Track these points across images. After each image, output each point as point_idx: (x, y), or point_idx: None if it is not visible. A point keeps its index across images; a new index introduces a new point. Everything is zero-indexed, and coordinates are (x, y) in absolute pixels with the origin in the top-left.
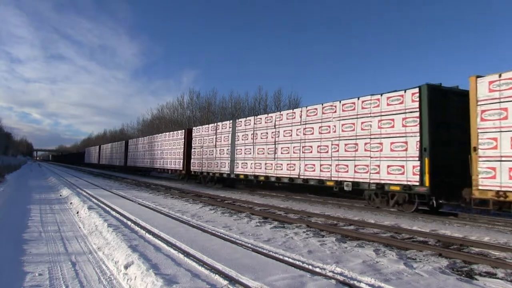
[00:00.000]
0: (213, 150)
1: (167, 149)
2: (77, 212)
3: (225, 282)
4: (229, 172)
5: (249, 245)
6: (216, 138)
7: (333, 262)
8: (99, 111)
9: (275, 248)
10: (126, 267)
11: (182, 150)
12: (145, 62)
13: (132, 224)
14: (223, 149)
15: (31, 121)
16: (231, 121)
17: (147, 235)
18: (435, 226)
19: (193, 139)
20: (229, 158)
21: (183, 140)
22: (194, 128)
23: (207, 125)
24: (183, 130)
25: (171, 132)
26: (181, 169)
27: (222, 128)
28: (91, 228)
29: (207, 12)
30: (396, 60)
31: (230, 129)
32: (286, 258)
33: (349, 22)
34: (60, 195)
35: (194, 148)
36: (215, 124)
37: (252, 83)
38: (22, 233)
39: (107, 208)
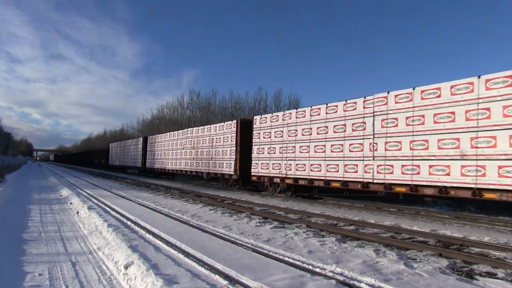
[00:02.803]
0: None
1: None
2: (77, 212)
3: (225, 282)
4: None
5: (249, 245)
6: None
7: (333, 262)
8: (99, 111)
9: (275, 248)
10: (126, 267)
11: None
12: (145, 62)
13: (132, 224)
14: None
15: (31, 121)
16: None
17: (147, 235)
18: (435, 226)
19: None
20: None
21: None
22: None
23: None
24: None
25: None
26: None
27: None
28: (91, 228)
29: (207, 12)
30: (396, 60)
31: None
32: (286, 258)
33: (349, 22)
34: (60, 195)
35: None
36: None
37: (252, 83)
38: (22, 233)
39: (107, 208)
